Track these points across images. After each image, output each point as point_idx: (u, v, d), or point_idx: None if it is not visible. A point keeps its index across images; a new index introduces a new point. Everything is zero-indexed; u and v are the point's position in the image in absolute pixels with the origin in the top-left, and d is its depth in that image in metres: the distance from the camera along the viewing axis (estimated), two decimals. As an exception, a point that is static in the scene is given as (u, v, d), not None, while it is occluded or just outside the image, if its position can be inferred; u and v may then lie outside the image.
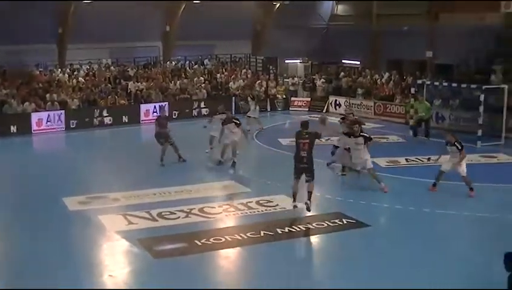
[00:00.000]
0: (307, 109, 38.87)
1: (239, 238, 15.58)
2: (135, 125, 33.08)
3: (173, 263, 14.02)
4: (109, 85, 35.87)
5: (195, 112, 35.71)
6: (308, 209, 17.03)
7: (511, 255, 9.85)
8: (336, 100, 38.26)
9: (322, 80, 41.22)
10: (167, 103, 34.46)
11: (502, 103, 28.87)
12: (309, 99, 39.84)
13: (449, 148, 19.63)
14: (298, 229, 16.33)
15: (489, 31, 36.04)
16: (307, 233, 16.23)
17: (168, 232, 15.97)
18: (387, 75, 39.27)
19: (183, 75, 39.14)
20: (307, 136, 16.91)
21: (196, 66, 41.66)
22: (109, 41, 38.52)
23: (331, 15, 48.59)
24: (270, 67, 43.38)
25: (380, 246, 15.40)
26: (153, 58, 41.69)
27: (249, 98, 32.66)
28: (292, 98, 39.88)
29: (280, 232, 15.99)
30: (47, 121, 31.34)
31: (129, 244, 15.21)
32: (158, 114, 26.39)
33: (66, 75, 35.92)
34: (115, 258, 14.62)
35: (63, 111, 31.94)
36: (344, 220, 16.92)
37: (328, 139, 24.07)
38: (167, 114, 25.50)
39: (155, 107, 33.64)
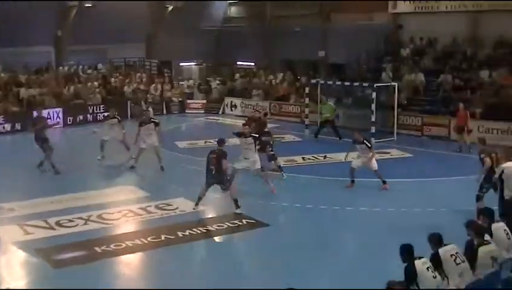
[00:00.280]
0: (203, 111, 38.93)
1: (140, 243, 15.49)
2: (28, 132, 32.18)
3: (74, 272, 13.75)
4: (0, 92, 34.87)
5: (90, 117, 35.14)
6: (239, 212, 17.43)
7: (406, 246, 10.19)
8: (231, 101, 38.47)
9: (217, 81, 41.40)
10: (61, 108, 33.92)
11: (393, 100, 29.77)
12: (205, 101, 39.90)
13: (358, 146, 20.18)
14: (199, 231, 16.34)
15: (378, 31, 37.09)
16: (208, 235, 16.28)
17: (67, 240, 15.67)
18: (281, 75, 39.76)
19: (77, 80, 38.42)
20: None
21: (89, 70, 40.96)
22: (-3, 46, 37.46)
23: (225, 17, 48.92)
24: (165, 70, 43.22)
25: (279, 244, 15.59)
26: (45, 64, 40.74)
27: (142, 102, 32.54)
28: (188, 101, 39.84)
29: (181, 235, 16.00)
30: None
31: (26, 255, 14.87)
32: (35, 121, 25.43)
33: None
34: (12, 270, 14.25)
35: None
36: (243, 220, 17.06)
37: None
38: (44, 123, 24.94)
39: (49, 113, 32.97)
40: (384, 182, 20.03)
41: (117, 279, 13.88)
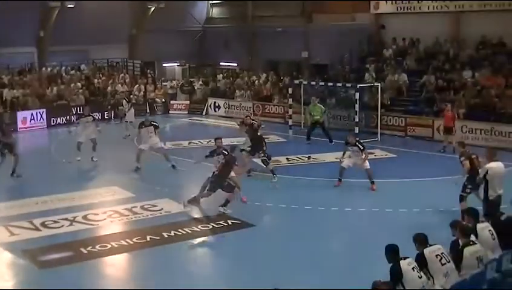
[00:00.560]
0: (187, 112, 38.91)
1: (126, 244, 15.50)
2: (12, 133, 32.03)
3: (60, 273, 13.78)
4: (-18, 93, 34.71)
5: (73, 118, 34.93)
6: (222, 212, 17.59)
7: (391, 246, 10.26)
8: (215, 102, 38.45)
9: (201, 82, 41.39)
10: (45, 109, 33.83)
11: (376, 101, 29.90)
12: (188, 102, 39.87)
13: (350, 148, 20.30)
14: (184, 232, 16.36)
15: (361, 32, 37.24)
16: (193, 236, 16.28)
17: (53, 241, 15.68)
18: (264, 76, 39.80)
19: (60, 81, 38.29)
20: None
21: (72, 71, 40.77)
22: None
23: (207, 18, 48.96)
24: (148, 71, 43.20)
25: (265, 245, 15.68)
26: (28, 65, 40.58)
27: (124, 102, 32.52)
28: (171, 102, 39.79)
29: (166, 236, 16.03)
30: None
31: (12, 256, 14.87)
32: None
33: None
34: (-2, 271, 14.25)
35: None
36: (229, 221, 17.09)
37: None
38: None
39: (32, 114, 32.89)
40: (372, 183, 20.13)
41: (103, 279, 13.88)
